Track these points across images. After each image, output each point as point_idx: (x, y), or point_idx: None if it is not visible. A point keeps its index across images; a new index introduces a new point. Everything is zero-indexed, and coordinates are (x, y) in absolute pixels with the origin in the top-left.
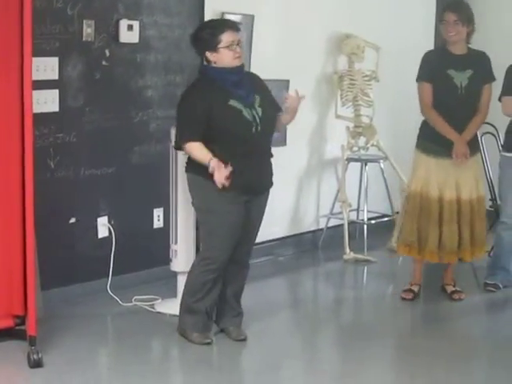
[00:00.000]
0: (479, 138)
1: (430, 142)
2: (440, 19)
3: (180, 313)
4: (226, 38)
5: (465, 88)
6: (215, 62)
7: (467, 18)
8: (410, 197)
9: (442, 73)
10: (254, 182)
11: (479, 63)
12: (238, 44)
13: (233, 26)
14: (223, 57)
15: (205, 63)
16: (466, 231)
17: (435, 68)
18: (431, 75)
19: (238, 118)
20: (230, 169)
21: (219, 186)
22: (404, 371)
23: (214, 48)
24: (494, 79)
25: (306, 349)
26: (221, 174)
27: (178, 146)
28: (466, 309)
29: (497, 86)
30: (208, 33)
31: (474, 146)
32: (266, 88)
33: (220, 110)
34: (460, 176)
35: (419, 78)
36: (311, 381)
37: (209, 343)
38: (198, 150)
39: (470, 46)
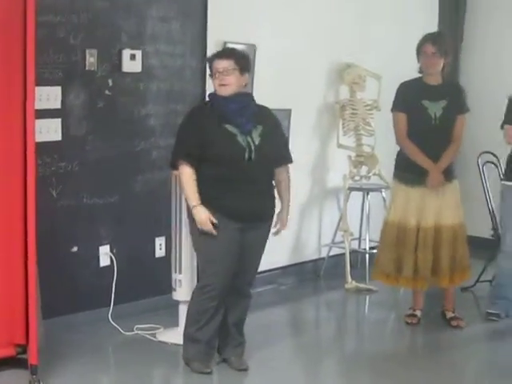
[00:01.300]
0: (480, 167)
1: (407, 171)
2: (418, 50)
3: (183, 342)
4: (214, 66)
5: (439, 118)
6: (215, 90)
7: (445, 50)
8: (387, 226)
9: (417, 103)
10: (249, 209)
11: (453, 94)
12: (221, 72)
13: (219, 55)
14: (215, 83)
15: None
16: (445, 257)
17: (410, 98)
18: (406, 105)
19: (231, 142)
20: (213, 221)
21: (198, 225)
22: None
23: (211, 75)
24: (467, 110)
25: (308, 379)
26: (201, 217)
27: (172, 165)
28: (467, 338)
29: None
30: (208, 61)
31: (449, 173)
32: (274, 123)
33: (214, 132)
34: (440, 202)
35: (394, 108)
36: None
37: (209, 373)
38: (187, 182)
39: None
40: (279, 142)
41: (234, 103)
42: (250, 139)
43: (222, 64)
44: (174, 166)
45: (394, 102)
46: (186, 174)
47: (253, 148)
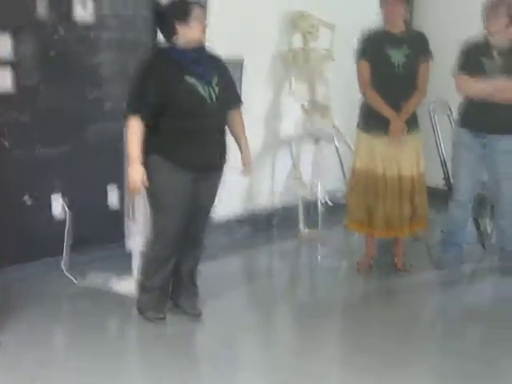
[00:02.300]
0: (431, 115)
1: (370, 120)
2: None
3: (137, 291)
4: (197, 11)
5: (402, 66)
6: (184, 35)
7: None
8: (355, 174)
9: (380, 51)
10: (202, 159)
11: (416, 41)
12: (204, 20)
13: (201, 3)
14: (192, 30)
15: (159, 40)
16: (406, 207)
17: (373, 47)
18: (369, 54)
19: (192, 94)
20: (145, 184)
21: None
22: (357, 345)
23: (185, 20)
24: (431, 57)
25: (262, 326)
26: (135, 176)
27: (125, 115)
28: (419, 284)
29: (441, 63)
30: (181, 5)
31: (413, 123)
32: (225, 69)
33: (174, 84)
34: (400, 153)
35: (357, 57)
36: (267, 358)
37: (162, 318)
38: (134, 136)
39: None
40: (231, 86)
41: (194, 52)
42: (211, 89)
43: (203, 12)
44: (126, 116)
45: (358, 50)
46: (134, 128)
47: (214, 97)
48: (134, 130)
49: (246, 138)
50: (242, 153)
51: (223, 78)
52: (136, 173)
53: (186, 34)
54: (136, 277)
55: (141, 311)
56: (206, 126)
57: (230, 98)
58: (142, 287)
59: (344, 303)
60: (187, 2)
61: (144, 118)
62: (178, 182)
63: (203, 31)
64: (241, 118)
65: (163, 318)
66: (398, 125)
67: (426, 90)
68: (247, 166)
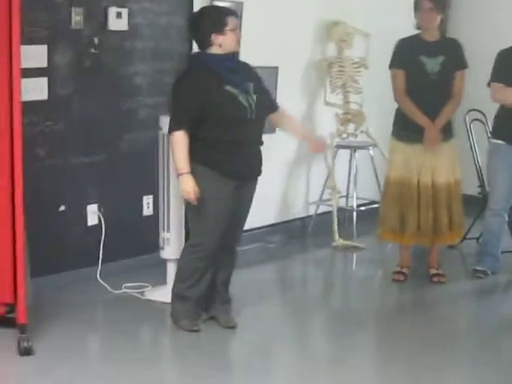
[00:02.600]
0: (467, 124)
1: (405, 129)
2: (415, 7)
3: (172, 300)
4: (232, 21)
5: (437, 74)
6: (220, 45)
7: (442, 6)
8: (389, 184)
9: (415, 59)
10: (243, 168)
11: (451, 50)
12: (239, 30)
13: (235, 13)
14: (229, 39)
15: (197, 50)
16: (443, 215)
17: (408, 55)
18: (404, 62)
19: (233, 103)
20: (197, 194)
21: (181, 193)
22: (390, 355)
23: (221, 30)
24: (466, 66)
25: (295, 335)
26: (187, 188)
27: (169, 132)
28: (454, 294)
29: (477, 73)
30: (216, 15)
31: (447, 131)
32: (258, 77)
33: (215, 95)
34: (436, 161)
35: (392, 66)
36: (301, 367)
37: (197, 330)
38: (180, 147)
39: (442, 33)
40: (266, 93)
41: (229, 61)
42: (250, 98)
43: (237, 22)
44: (172, 132)
45: (392, 59)
46: (180, 139)
47: (254, 107)
48: (180, 143)
49: (298, 125)
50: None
51: (258, 86)
52: (187, 185)
53: (222, 44)
54: (172, 285)
55: (175, 320)
56: (248, 134)
57: (268, 104)
58: (179, 296)
59: (378, 313)
60: (222, 12)
61: (188, 131)
62: (220, 190)
63: (238, 41)
64: (284, 113)
65: (198, 331)
66: (433, 133)
67: (460, 98)
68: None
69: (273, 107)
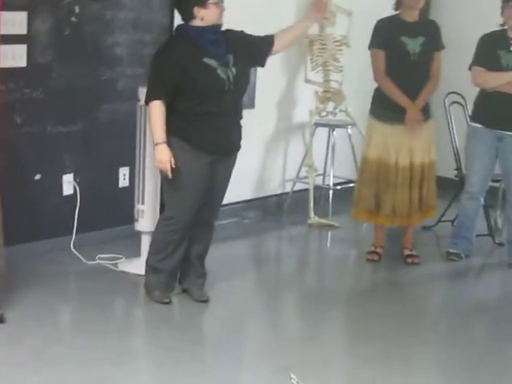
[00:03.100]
0: (446, 107)
1: (384, 108)
2: None
3: (145, 271)
4: None
5: (417, 55)
6: (202, 19)
7: None
8: (366, 163)
9: (395, 40)
10: (221, 142)
11: (430, 31)
12: (222, 2)
13: None
14: (211, 13)
15: (182, 22)
16: (415, 195)
17: (388, 35)
18: (384, 42)
19: (211, 76)
20: (173, 164)
21: (156, 163)
22: (361, 334)
23: (203, 4)
24: (443, 47)
25: (268, 312)
26: (162, 157)
27: (146, 103)
28: (427, 276)
29: (459, 56)
30: None
31: (426, 112)
32: (242, 38)
33: (194, 67)
34: (413, 141)
35: (372, 46)
36: (273, 344)
37: (168, 302)
38: (157, 118)
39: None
40: (256, 40)
41: (212, 34)
42: (229, 71)
43: None
44: (148, 102)
45: (372, 38)
46: (157, 110)
47: (232, 79)
48: (157, 114)
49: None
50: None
51: (240, 53)
52: (163, 154)
53: (204, 18)
54: (145, 257)
55: (148, 292)
56: (225, 108)
57: (261, 47)
58: (152, 268)
59: (351, 292)
60: None
61: (165, 102)
62: (195, 164)
63: (221, 14)
64: (279, 33)
65: (169, 303)
66: (414, 114)
67: (438, 79)
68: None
69: (269, 44)
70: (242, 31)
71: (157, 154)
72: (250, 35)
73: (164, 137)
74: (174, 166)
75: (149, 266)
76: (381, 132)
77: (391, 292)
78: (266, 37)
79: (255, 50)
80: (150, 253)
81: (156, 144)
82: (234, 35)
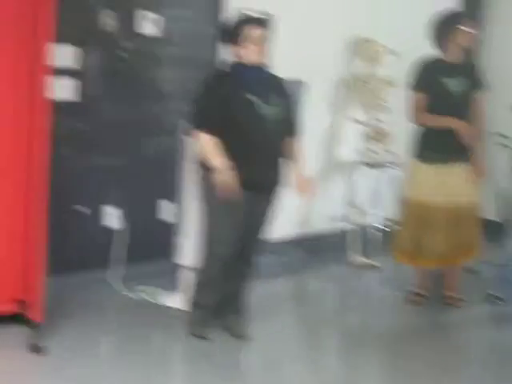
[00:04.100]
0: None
1: (426, 149)
2: (452, 27)
3: (186, 306)
4: (252, 32)
5: (459, 95)
6: (240, 57)
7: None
8: (407, 204)
9: (437, 81)
10: (259, 178)
11: (472, 72)
12: (263, 40)
13: (259, 22)
14: (248, 51)
15: (228, 58)
16: (457, 237)
17: (430, 76)
18: (426, 83)
19: (252, 110)
20: (235, 184)
21: (219, 189)
22: (402, 377)
23: (239, 42)
24: (486, 88)
25: (307, 352)
26: (225, 186)
27: (193, 132)
28: (470, 319)
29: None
30: (234, 27)
31: (468, 152)
32: (287, 94)
33: (235, 100)
34: (455, 182)
35: (413, 86)
36: (310, 383)
37: (208, 338)
38: (210, 146)
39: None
40: (292, 114)
41: (255, 72)
42: (270, 109)
43: (261, 31)
44: (196, 133)
45: (413, 79)
46: (206, 139)
47: (272, 118)
48: (207, 142)
49: (301, 162)
50: (298, 174)
51: (283, 100)
52: (227, 177)
53: (241, 56)
54: (187, 292)
55: (188, 327)
56: (265, 144)
57: (289, 124)
58: (194, 303)
59: (392, 334)
60: (240, 24)
61: (212, 131)
62: (236, 201)
63: (261, 52)
64: (298, 145)
65: (208, 339)
66: (465, 130)
67: (483, 120)
68: (302, 186)
69: (293, 131)
70: (287, 91)
71: (219, 177)
72: (292, 103)
73: (225, 161)
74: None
75: (190, 301)
76: (422, 172)
77: (433, 334)
78: (295, 125)
79: (289, 117)
80: (191, 288)
81: (218, 169)
82: (280, 83)
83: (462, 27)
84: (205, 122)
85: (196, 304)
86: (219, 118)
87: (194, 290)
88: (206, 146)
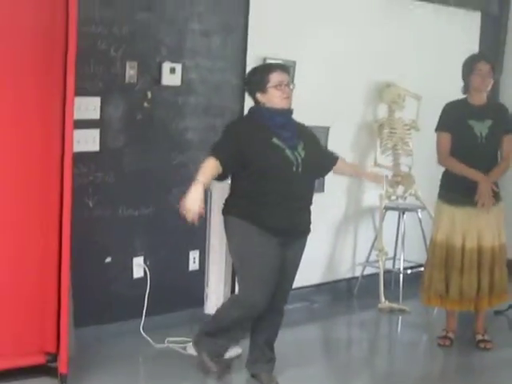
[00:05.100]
0: None
1: (452, 191)
2: (470, 68)
3: (199, 332)
4: (275, 77)
5: (485, 138)
6: (264, 104)
7: (496, 69)
8: (434, 247)
9: (463, 123)
10: (288, 224)
11: (499, 114)
12: (286, 85)
13: (281, 67)
14: (271, 97)
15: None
16: (484, 279)
17: (455, 118)
18: (451, 125)
19: (278, 155)
20: (201, 211)
21: (183, 208)
22: None
23: (263, 88)
24: None
25: None
26: (191, 200)
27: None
28: (500, 361)
29: None
30: (258, 74)
31: (496, 194)
32: (314, 137)
33: (261, 143)
34: (482, 224)
35: (439, 128)
36: None
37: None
38: (208, 165)
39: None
40: (322, 150)
41: (281, 117)
42: (297, 154)
43: (285, 77)
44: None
45: (439, 121)
46: (210, 163)
47: (300, 162)
48: (209, 164)
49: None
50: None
51: (311, 146)
52: (197, 193)
53: (266, 103)
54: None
55: (197, 351)
56: (292, 189)
57: (325, 160)
58: (209, 333)
59: (422, 378)
60: (263, 71)
61: (220, 161)
62: (265, 246)
63: (285, 97)
64: (343, 161)
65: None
66: (487, 186)
67: (510, 162)
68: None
69: (333, 159)
70: (313, 133)
71: (191, 192)
72: (320, 142)
73: (208, 178)
74: (202, 211)
75: (206, 329)
76: (449, 215)
77: (464, 378)
78: (332, 153)
79: (321, 158)
80: (211, 320)
81: (196, 181)
82: (305, 129)
83: (479, 68)
84: (217, 151)
85: (210, 333)
86: (240, 158)
87: (212, 321)
88: (204, 164)
